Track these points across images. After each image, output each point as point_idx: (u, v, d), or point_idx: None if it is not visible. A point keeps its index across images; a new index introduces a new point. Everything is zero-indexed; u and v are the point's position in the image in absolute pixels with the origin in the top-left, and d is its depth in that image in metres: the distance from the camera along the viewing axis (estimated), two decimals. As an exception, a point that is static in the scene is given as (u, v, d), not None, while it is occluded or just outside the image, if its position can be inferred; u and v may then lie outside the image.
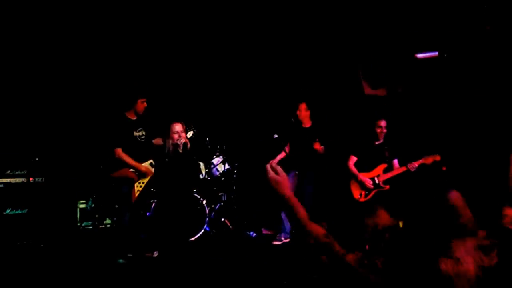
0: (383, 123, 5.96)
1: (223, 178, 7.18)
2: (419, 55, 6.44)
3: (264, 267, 5.38)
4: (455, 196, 1.96)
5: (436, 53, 6.35)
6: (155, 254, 5.56)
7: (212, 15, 6.61)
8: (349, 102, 7.42)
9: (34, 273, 4.95)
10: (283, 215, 6.19)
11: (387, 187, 5.94)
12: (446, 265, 1.75)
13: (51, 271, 5.05)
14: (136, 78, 6.92)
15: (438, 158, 5.75)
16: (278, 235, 6.50)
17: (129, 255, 5.29)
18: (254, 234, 7.19)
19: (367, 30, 6.62)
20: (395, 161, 6.09)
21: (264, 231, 7.56)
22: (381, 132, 5.98)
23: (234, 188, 7.30)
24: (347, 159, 6.20)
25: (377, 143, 6.06)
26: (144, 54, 7.09)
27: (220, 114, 8.02)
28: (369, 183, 5.97)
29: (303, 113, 6.44)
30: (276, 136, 6.29)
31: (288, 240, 6.40)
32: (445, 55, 6.31)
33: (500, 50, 5.86)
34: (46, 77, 6.65)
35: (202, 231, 6.46)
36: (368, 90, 7.01)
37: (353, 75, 7.10)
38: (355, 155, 6.16)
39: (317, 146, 6.14)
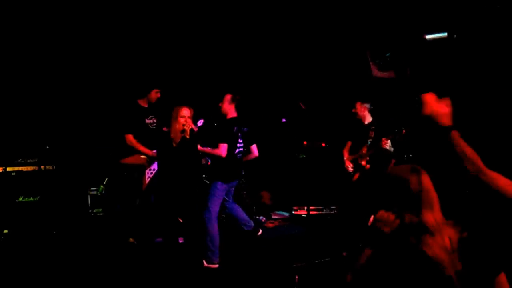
0: (357, 104, 5.88)
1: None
2: (428, 36, 6.35)
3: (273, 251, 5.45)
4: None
5: (445, 34, 6.26)
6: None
7: (225, 8, 6.60)
8: (342, 87, 7.41)
9: (46, 259, 5.04)
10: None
11: (367, 166, 5.80)
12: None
13: (64, 257, 5.14)
14: (149, 66, 6.93)
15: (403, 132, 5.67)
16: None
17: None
18: (264, 218, 7.24)
19: (375, 10, 6.55)
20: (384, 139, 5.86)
21: (274, 215, 7.61)
22: (355, 113, 5.91)
23: (243, 173, 7.32)
24: (344, 145, 6.17)
25: (365, 123, 5.97)
26: (157, 44, 7.09)
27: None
28: (348, 166, 5.96)
29: (225, 105, 5.30)
30: (284, 120, 6.25)
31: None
32: (455, 36, 6.21)
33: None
34: (58, 65, 6.68)
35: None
36: (376, 73, 6.94)
37: (361, 56, 7.04)
38: (349, 139, 6.13)
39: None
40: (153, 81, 5.65)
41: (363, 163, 5.86)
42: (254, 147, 5.68)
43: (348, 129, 6.22)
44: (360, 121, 5.92)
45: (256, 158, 5.77)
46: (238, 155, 5.32)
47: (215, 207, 5.04)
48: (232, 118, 5.26)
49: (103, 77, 6.93)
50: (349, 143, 6.12)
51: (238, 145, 5.30)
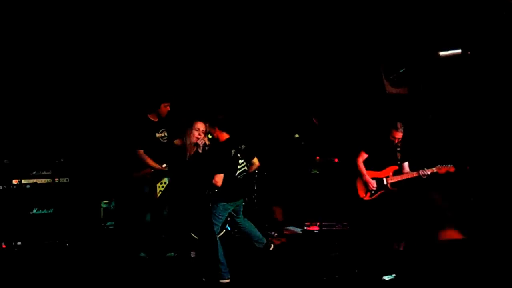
0: (399, 134, 5.57)
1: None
2: (442, 53, 6.33)
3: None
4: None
5: (459, 51, 6.22)
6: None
7: (238, 21, 6.65)
8: (367, 98, 7.33)
9: (59, 271, 5.06)
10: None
11: (395, 190, 5.73)
12: None
13: (76, 269, 5.15)
14: (159, 80, 6.99)
15: (452, 169, 5.50)
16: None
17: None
18: (276, 234, 7.20)
19: (389, 27, 6.55)
20: (405, 164, 5.77)
21: (286, 231, 7.55)
22: (394, 141, 5.64)
23: (255, 188, 7.30)
24: (357, 154, 5.89)
25: (395, 143, 5.79)
26: (167, 58, 7.15)
27: (240, 114, 8.03)
28: (372, 185, 5.74)
29: (211, 129, 5.20)
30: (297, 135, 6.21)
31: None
32: (469, 53, 6.17)
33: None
34: (72, 80, 6.78)
35: (224, 230, 6.47)
36: (389, 89, 6.92)
37: (374, 72, 7.02)
38: (366, 152, 5.83)
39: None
40: (161, 95, 5.71)
41: (389, 186, 5.74)
42: (255, 160, 5.58)
43: (372, 141, 5.95)
44: (390, 140, 5.64)
45: (258, 167, 5.73)
46: (242, 175, 5.27)
47: (215, 226, 5.00)
48: (226, 141, 5.17)
49: (114, 92, 7.01)
50: (364, 154, 5.83)
51: (239, 166, 5.25)
